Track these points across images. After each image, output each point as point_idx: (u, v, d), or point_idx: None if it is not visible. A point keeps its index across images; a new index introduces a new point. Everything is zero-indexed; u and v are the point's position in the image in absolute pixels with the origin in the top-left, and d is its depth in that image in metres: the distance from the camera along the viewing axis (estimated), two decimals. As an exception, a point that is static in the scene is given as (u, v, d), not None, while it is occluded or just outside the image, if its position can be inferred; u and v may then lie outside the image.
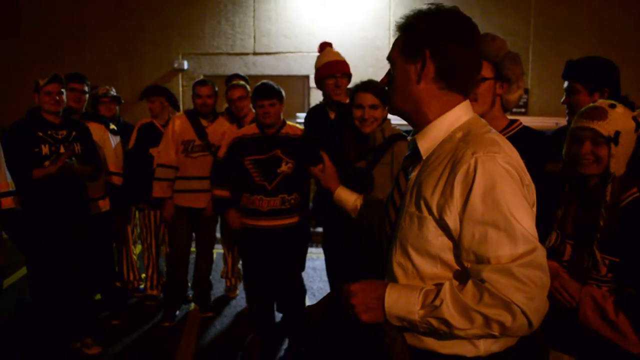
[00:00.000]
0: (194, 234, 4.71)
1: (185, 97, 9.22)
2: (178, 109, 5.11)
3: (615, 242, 1.86)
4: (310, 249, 4.23)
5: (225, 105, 4.78)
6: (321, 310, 1.66)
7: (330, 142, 3.40)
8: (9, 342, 4.03)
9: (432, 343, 1.43)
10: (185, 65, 9.59)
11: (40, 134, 3.70)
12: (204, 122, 4.50)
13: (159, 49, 9.62)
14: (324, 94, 3.76)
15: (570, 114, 2.62)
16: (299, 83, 9.58)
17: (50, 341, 3.90)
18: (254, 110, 4.38)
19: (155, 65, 9.63)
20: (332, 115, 3.69)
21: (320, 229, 3.95)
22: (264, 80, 3.84)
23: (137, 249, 5.44)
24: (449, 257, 1.39)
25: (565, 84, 2.70)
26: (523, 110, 9.39)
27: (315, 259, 6.11)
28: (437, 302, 1.31)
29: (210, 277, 4.93)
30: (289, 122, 3.92)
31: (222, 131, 4.39)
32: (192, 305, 4.88)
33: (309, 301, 4.77)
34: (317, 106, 3.91)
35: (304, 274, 4.08)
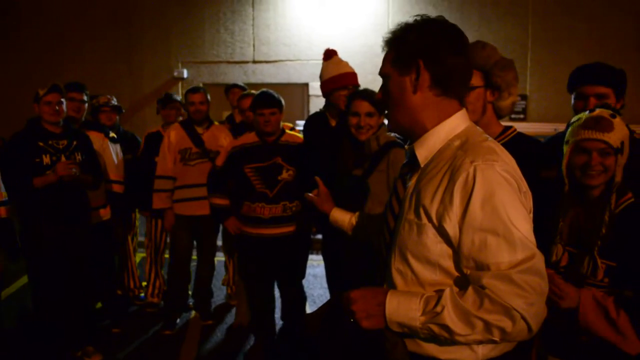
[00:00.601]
0: (195, 242, 4.71)
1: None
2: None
3: (611, 247, 1.87)
4: (310, 256, 4.24)
5: (226, 113, 4.81)
6: (321, 317, 1.67)
7: (330, 149, 3.42)
8: (11, 350, 4.03)
9: (432, 349, 1.44)
10: (185, 73, 9.63)
11: (41, 144, 3.71)
12: (199, 130, 4.52)
13: (159, 58, 9.66)
14: (329, 103, 3.75)
15: None
16: (299, 91, 9.62)
17: (52, 349, 3.90)
18: None
19: (155, 74, 9.68)
20: (333, 123, 3.71)
21: (320, 236, 3.96)
22: (264, 89, 3.85)
23: (137, 257, 5.44)
24: (448, 264, 1.41)
25: (571, 91, 2.60)
26: (522, 116, 9.41)
27: (316, 266, 6.11)
28: (438, 309, 1.32)
29: (211, 285, 4.93)
30: (287, 131, 3.94)
31: (218, 137, 4.41)
32: (193, 313, 4.88)
33: (309, 308, 4.77)
34: (317, 113, 3.93)
35: (304, 281, 4.08)
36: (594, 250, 1.89)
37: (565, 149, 1.98)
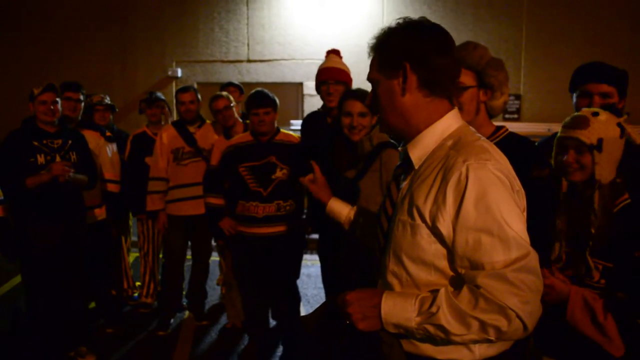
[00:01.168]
0: (189, 243, 4.70)
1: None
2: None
3: (608, 247, 1.87)
4: (304, 256, 4.23)
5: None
6: (316, 319, 1.67)
7: (325, 148, 3.42)
8: (3, 350, 4.01)
9: (428, 349, 1.44)
10: (179, 72, 9.60)
11: (36, 143, 3.70)
12: (191, 129, 4.51)
13: (153, 57, 9.64)
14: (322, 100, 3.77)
15: None
16: (293, 90, 9.61)
17: (45, 350, 3.88)
18: (240, 120, 4.39)
19: (149, 73, 9.64)
20: (330, 121, 3.71)
21: (315, 236, 3.95)
22: (258, 89, 3.85)
23: (131, 257, 5.43)
24: (443, 264, 1.41)
25: (573, 89, 2.57)
26: (516, 116, 9.44)
27: (310, 265, 6.11)
28: (433, 309, 1.32)
29: (206, 285, 4.92)
30: (282, 130, 3.93)
31: (211, 135, 4.40)
32: (187, 313, 4.86)
33: (303, 308, 4.77)
34: (314, 112, 3.93)
35: (298, 281, 4.08)
36: (585, 250, 1.90)
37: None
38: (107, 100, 4.92)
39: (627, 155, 1.94)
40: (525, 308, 1.27)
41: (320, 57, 4.06)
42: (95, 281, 4.40)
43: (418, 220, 1.41)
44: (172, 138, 4.47)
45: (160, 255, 4.97)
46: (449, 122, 1.51)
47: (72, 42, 9.50)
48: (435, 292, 1.36)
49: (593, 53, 8.15)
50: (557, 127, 2.09)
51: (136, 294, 5.11)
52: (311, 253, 6.13)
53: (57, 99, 3.74)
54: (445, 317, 1.30)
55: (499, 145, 1.57)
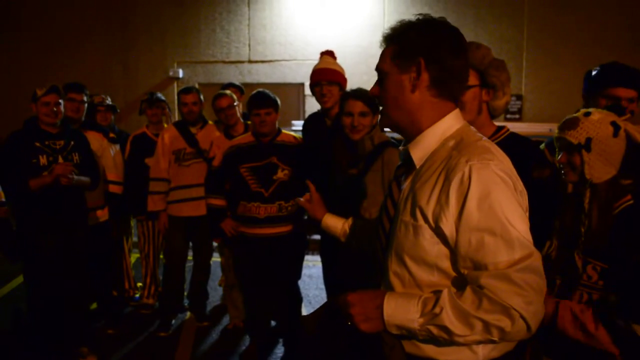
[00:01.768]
0: (191, 243, 4.70)
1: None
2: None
3: (606, 249, 1.86)
4: (306, 257, 4.23)
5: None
6: (317, 320, 1.66)
7: (325, 149, 3.41)
8: (4, 351, 4.01)
9: (430, 350, 1.44)
10: (181, 73, 9.60)
11: (38, 144, 3.69)
12: (193, 130, 4.51)
13: (154, 57, 9.64)
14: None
15: None
16: (294, 91, 9.61)
17: (46, 350, 3.87)
18: (242, 120, 4.39)
19: (150, 74, 9.65)
20: (329, 122, 3.70)
21: (317, 237, 3.95)
22: (260, 89, 3.85)
23: (132, 257, 5.43)
24: (446, 264, 1.40)
25: (594, 91, 2.49)
26: (517, 116, 9.43)
27: (312, 266, 6.11)
28: (436, 310, 1.31)
29: (207, 286, 4.92)
30: (284, 131, 3.93)
31: (213, 137, 4.39)
32: (188, 314, 4.86)
33: (304, 309, 4.77)
34: (315, 113, 3.93)
35: (300, 282, 4.08)
36: (573, 250, 1.90)
37: None
38: (108, 100, 4.92)
39: (630, 155, 1.92)
40: (529, 308, 1.27)
41: (322, 58, 4.05)
42: (97, 282, 4.40)
43: (421, 221, 1.41)
44: (174, 139, 4.47)
45: (161, 256, 4.97)
46: (451, 122, 1.50)
47: (73, 43, 9.51)
48: (437, 293, 1.35)
49: (594, 53, 8.15)
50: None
51: (137, 295, 5.11)
52: (313, 254, 6.12)
53: (60, 101, 3.73)
54: (449, 318, 1.29)
55: (500, 145, 1.57)
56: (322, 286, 4.08)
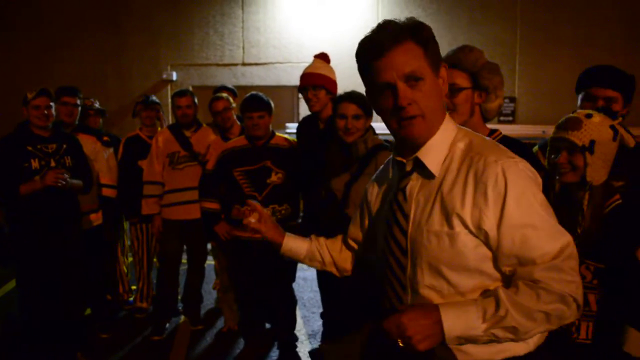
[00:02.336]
0: (185, 247, 4.68)
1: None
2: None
3: (599, 248, 1.88)
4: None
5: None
6: (358, 350, 1.63)
7: (319, 152, 3.41)
8: (-3, 357, 3.99)
9: (482, 353, 1.42)
10: (174, 76, 9.59)
11: (30, 148, 3.67)
12: (187, 133, 4.49)
13: (148, 60, 9.63)
14: None
15: None
16: (288, 93, 9.62)
17: (39, 356, 3.85)
18: (238, 122, 4.39)
19: (143, 76, 9.63)
20: (322, 126, 3.70)
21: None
22: (253, 92, 3.84)
23: (127, 261, 5.41)
24: (487, 266, 1.41)
25: (582, 92, 2.55)
26: (510, 118, 9.46)
27: (306, 269, 6.10)
28: (501, 313, 1.31)
29: (201, 289, 4.90)
30: (278, 134, 3.93)
31: (207, 139, 4.38)
32: (182, 318, 4.84)
33: (299, 312, 4.76)
34: (309, 116, 3.92)
35: (294, 285, 4.07)
36: None
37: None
38: (97, 104, 4.91)
39: (621, 158, 1.94)
40: (579, 292, 1.35)
41: (316, 61, 4.04)
42: (91, 286, 4.38)
43: (458, 227, 1.39)
44: (168, 142, 4.46)
45: (155, 260, 4.95)
46: (450, 126, 1.51)
47: (66, 46, 9.48)
48: (489, 296, 1.35)
49: (588, 55, 8.19)
50: (552, 130, 2.10)
51: (131, 299, 5.09)
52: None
53: (51, 104, 3.71)
54: (515, 318, 1.31)
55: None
56: (317, 289, 4.07)
